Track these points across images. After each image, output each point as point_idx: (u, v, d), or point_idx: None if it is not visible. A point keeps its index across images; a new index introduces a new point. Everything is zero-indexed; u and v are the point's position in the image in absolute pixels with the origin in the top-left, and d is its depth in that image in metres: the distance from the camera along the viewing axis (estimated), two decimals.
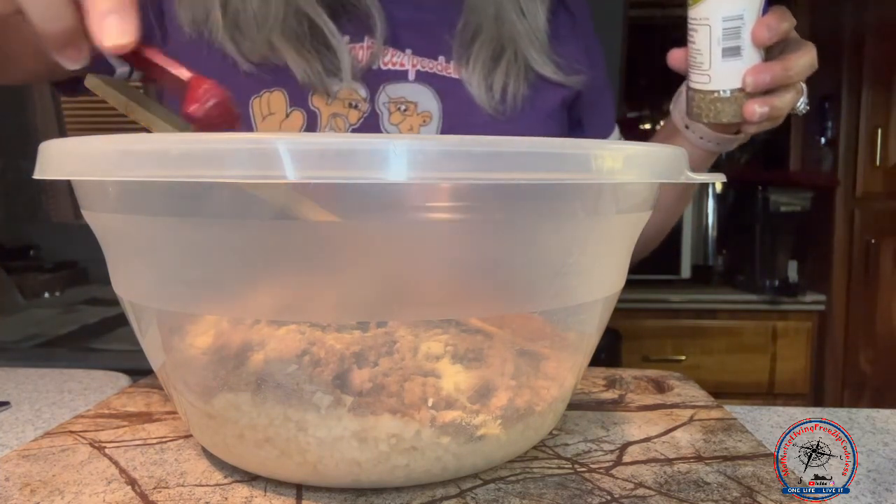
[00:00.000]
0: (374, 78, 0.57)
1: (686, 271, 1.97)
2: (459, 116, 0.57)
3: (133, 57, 0.33)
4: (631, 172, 0.29)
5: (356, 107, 0.56)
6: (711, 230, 2.02)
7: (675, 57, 0.51)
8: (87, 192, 0.31)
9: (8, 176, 1.99)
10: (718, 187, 2.01)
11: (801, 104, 0.51)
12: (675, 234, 1.91)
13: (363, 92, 0.56)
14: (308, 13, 0.54)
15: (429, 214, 0.27)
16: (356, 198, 0.26)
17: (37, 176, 0.30)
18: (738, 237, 2.01)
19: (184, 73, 0.33)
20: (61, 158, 0.28)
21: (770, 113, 0.48)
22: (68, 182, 0.31)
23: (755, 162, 2.16)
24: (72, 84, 0.61)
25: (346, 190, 0.26)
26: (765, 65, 0.47)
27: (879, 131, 1.76)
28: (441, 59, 0.58)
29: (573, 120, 0.66)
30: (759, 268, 1.90)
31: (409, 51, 0.58)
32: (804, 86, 0.50)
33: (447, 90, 0.58)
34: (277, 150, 0.23)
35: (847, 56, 1.80)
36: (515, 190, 0.27)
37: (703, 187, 1.95)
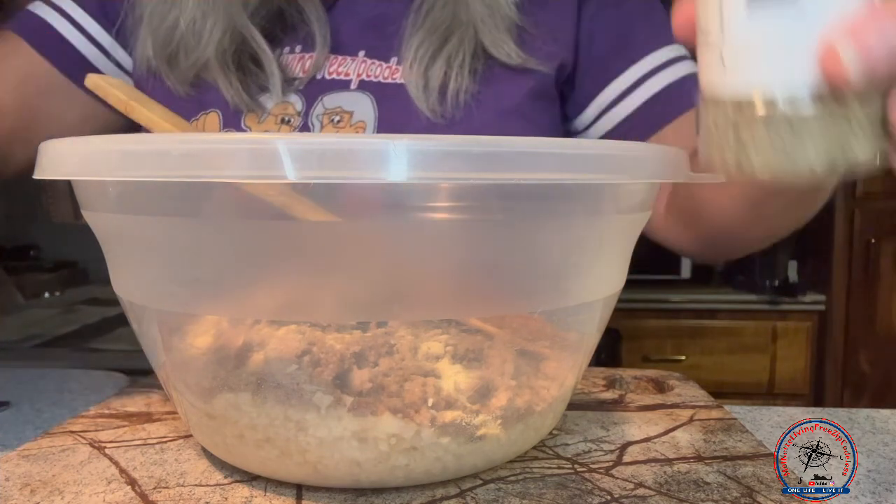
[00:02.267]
0: (314, 89, 0.54)
1: (686, 271, 1.97)
2: (395, 123, 0.53)
3: None
4: (631, 172, 0.29)
5: (288, 122, 0.54)
6: None
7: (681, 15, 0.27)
8: (87, 192, 0.31)
9: None
10: None
11: None
12: None
13: (299, 105, 0.54)
14: (241, 31, 0.53)
15: (429, 214, 0.27)
16: (356, 198, 0.26)
17: (37, 176, 0.30)
18: None
19: None
20: (61, 158, 0.28)
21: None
22: (68, 182, 0.31)
23: None
24: None
25: (347, 190, 0.26)
26: (872, 8, 0.21)
27: None
28: (393, 60, 0.54)
29: (574, 89, 0.57)
30: (759, 268, 1.90)
31: (362, 53, 0.55)
32: None
33: (386, 95, 0.53)
34: (277, 150, 0.23)
35: None
36: (515, 190, 0.27)
37: None
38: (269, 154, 0.24)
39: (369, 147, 0.24)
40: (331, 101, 0.54)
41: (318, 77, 0.55)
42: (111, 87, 0.36)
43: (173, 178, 0.25)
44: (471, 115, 0.52)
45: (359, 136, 0.37)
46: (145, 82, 0.56)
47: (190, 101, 0.54)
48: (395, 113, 0.53)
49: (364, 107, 0.53)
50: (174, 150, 0.25)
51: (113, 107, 0.36)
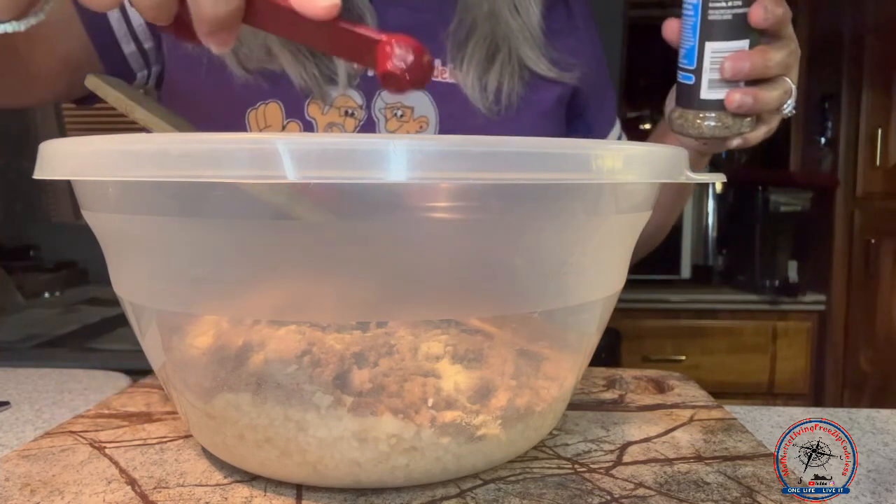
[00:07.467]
0: (369, 84, 0.56)
1: (686, 271, 1.97)
2: (456, 120, 0.57)
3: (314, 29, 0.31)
4: (631, 172, 0.29)
5: (352, 115, 0.56)
6: (711, 230, 2.02)
7: (669, 28, 0.48)
8: (87, 192, 0.31)
9: (8, 176, 1.99)
10: (718, 187, 2.00)
11: (789, 106, 0.48)
12: (675, 234, 1.91)
13: (359, 99, 0.56)
14: None
15: (429, 214, 0.27)
16: (356, 198, 0.26)
17: (37, 176, 0.30)
18: (738, 237, 2.01)
19: (373, 33, 0.31)
20: (61, 158, 0.28)
21: (754, 105, 0.45)
22: (68, 182, 0.31)
23: (755, 162, 2.16)
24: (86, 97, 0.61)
25: (346, 190, 0.26)
26: (744, 52, 0.45)
27: (879, 131, 1.76)
28: (437, 62, 0.58)
29: (572, 114, 0.66)
30: (759, 268, 1.90)
31: None
32: (793, 87, 0.48)
33: (443, 94, 0.57)
34: (277, 150, 0.23)
35: (847, 56, 1.80)
36: (515, 190, 0.27)
37: (703, 187, 1.95)
38: (269, 154, 0.24)
39: (369, 147, 0.24)
40: (389, 96, 0.56)
41: (371, 74, 0.56)
42: (111, 87, 0.36)
43: (173, 178, 0.25)
44: (518, 115, 0.59)
45: (359, 135, 0.37)
46: (192, 60, 0.54)
47: (248, 89, 0.54)
48: (454, 109, 0.57)
49: (423, 103, 0.57)
50: (174, 150, 0.25)
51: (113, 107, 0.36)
